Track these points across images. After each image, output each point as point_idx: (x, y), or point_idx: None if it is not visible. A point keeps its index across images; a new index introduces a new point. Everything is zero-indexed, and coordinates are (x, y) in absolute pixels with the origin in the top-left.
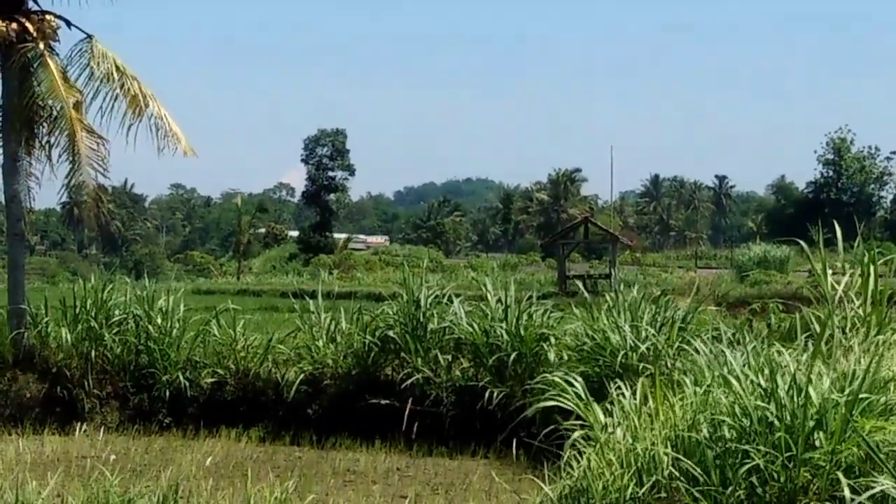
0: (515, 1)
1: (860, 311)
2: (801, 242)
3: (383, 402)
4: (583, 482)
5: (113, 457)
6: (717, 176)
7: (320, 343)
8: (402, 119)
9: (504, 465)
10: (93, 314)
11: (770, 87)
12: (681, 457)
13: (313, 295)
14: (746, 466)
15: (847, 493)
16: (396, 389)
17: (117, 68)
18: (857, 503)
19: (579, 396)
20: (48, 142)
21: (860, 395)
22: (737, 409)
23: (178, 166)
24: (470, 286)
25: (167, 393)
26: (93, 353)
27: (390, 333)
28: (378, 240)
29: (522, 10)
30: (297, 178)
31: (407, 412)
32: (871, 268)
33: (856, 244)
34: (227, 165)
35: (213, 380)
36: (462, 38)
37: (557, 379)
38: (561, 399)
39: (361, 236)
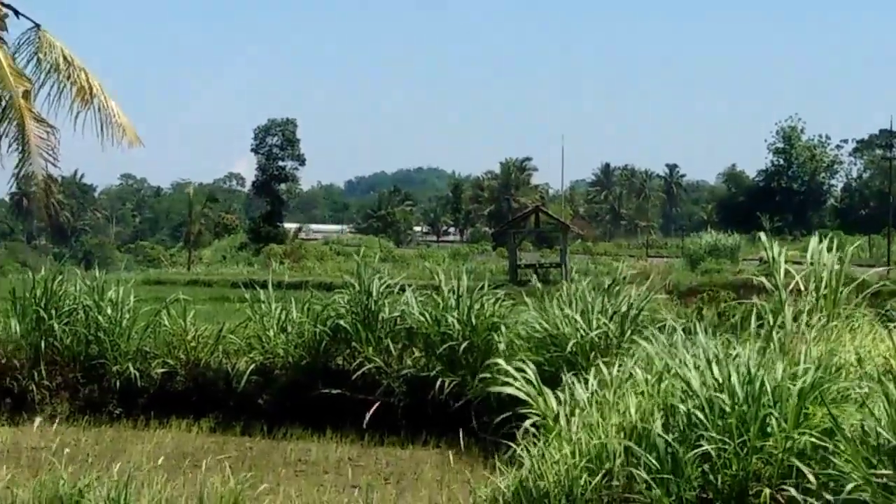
0: None
1: (812, 300)
2: (759, 230)
3: (334, 391)
4: (535, 472)
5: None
6: (667, 165)
7: (271, 333)
8: (352, 109)
9: (456, 454)
10: (42, 305)
11: (720, 76)
12: (632, 445)
13: (264, 285)
14: (697, 452)
15: (812, 478)
16: (348, 379)
17: (65, 58)
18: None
19: (532, 384)
20: None
21: (814, 383)
22: (688, 398)
23: (128, 157)
24: (422, 276)
25: (117, 383)
26: (42, 345)
27: (341, 323)
28: (332, 227)
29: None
30: (248, 167)
31: (372, 410)
32: (822, 256)
33: (808, 233)
34: (177, 155)
35: (163, 370)
36: (411, 27)
37: (509, 368)
38: (514, 387)
39: (315, 226)
